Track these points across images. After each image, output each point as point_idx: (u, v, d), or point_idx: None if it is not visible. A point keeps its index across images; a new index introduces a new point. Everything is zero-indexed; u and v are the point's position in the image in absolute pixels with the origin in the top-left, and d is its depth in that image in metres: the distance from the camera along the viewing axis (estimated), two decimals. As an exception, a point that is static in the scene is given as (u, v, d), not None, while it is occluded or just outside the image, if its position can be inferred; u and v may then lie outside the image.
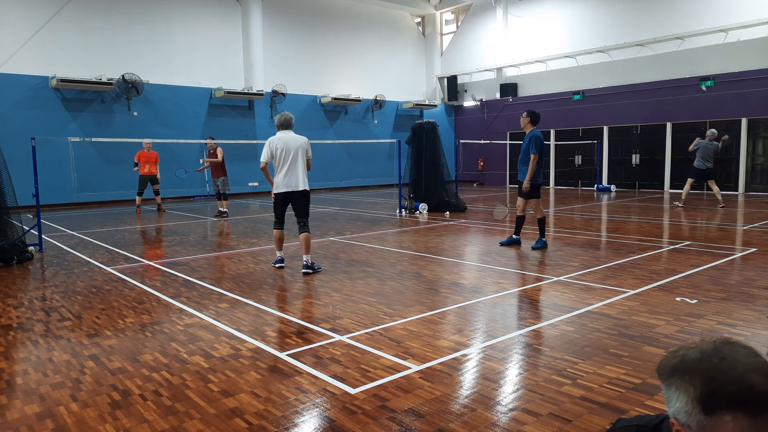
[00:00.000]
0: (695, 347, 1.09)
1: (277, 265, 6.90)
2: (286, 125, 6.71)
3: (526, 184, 7.83)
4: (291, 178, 6.59)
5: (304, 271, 6.55)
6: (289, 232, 9.24)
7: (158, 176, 14.29)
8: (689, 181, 13.17)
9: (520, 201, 8.11)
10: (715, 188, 12.86)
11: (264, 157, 6.63)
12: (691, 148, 12.95)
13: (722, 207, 12.78)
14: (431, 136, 13.38)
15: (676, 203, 13.48)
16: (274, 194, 6.73)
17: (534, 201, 8.03)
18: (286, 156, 6.54)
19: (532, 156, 7.75)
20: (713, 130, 12.82)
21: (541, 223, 8.00)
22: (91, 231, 10.70)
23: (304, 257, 6.59)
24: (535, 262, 6.98)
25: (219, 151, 12.70)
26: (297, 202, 6.70)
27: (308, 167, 6.78)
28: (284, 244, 7.36)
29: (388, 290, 5.68)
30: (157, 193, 14.45)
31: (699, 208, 13.02)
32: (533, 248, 7.87)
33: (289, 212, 6.84)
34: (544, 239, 7.95)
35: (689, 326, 4.30)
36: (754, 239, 8.40)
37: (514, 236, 8.20)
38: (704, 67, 17.58)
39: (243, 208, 14.86)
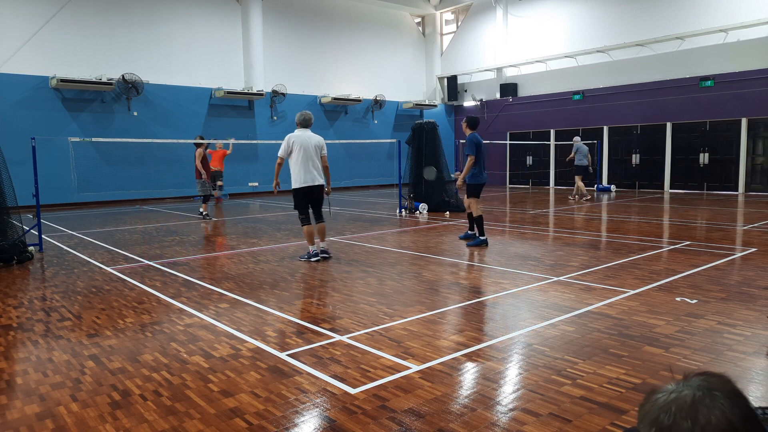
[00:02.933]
0: (673, 404, 1.03)
1: (312, 260, 7.18)
2: (305, 124, 7.12)
3: (459, 182, 8.38)
4: (309, 173, 7.03)
5: (322, 256, 7.25)
6: (286, 232, 9.23)
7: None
8: (579, 178, 15.55)
9: (469, 201, 8.42)
10: (581, 184, 15.52)
11: (282, 152, 7.02)
12: (573, 154, 15.58)
13: (588, 199, 15.49)
14: (431, 136, 13.38)
15: (580, 198, 15.61)
16: (296, 189, 7.09)
17: (472, 200, 8.39)
18: (303, 152, 6.95)
19: (468, 158, 8.20)
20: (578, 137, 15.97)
21: (476, 221, 8.33)
22: (91, 231, 10.70)
23: (322, 244, 7.32)
24: (535, 262, 6.98)
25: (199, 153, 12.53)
26: (314, 196, 7.20)
27: (325, 164, 7.23)
28: (282, 245, 7.40)
29: (388, 290, 5.68)
30: (220, 188, 15.94)
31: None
32: (461, 238, 8.70)
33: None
34: (475, 234, 8.43)
35: (689, 326, 4.30)
36: (754, 239, 8.41)
37: (480, 237, 8.30)
38: (704, 67, 17.58)
39: (243, 208, 14.86)
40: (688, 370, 1.08)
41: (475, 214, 8.31)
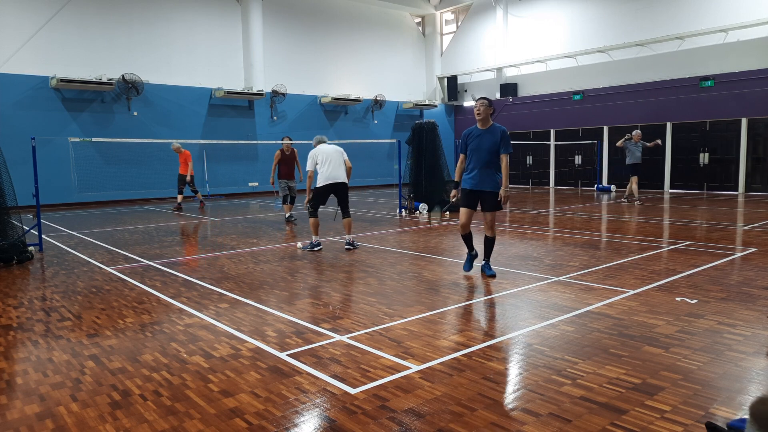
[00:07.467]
0: None
1: (315, 249, 7.94)
2: (321, 141, 8.29)
3: (506, 193, 6.10)
4: (333, 172, 7.88)
5: (346, 247, 8.07)
6: (286, 232, 9.22)
7: (187, 176, 14.41)
8: (635, 179, 14.23)
9: (494, 217, 6.37)
10: (635, 186, 14.29)
11: (309, 166, 7.92)
12: (620, 143, 14.35)
13: (639, 203, 14.17)
14: (431, 136, 13.37)
15: (637, 202, 14.27)
16: (319, 186, 7.88)
17: (471, 213, 6.39)
18: (329, 159, 7.90)
19: (507, 157, 6.06)
20: (638, 131, 14.29)
21: (467, 240, 6.44)
22: (91, 231, 10.70)
23: (348, 237, 8.17)
24: (535, 262, 6.98)
25: (294, 151, 11.56)
26: (340, 192, 8.02)
27: (348, 165, 8.10)
28: (282, 245, 7.43)
29: (388, 290, 5.68)
30: (194, 191, 15.03)
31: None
32: (490, 274, 6.24)
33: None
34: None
35: (689, 326, 4.30)
36: (754, 239, 8.40)
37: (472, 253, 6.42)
38: (704, 67, 17.58)
39: (243, 208, 14.86)
40: None
41: (493, 234, 6.37)
